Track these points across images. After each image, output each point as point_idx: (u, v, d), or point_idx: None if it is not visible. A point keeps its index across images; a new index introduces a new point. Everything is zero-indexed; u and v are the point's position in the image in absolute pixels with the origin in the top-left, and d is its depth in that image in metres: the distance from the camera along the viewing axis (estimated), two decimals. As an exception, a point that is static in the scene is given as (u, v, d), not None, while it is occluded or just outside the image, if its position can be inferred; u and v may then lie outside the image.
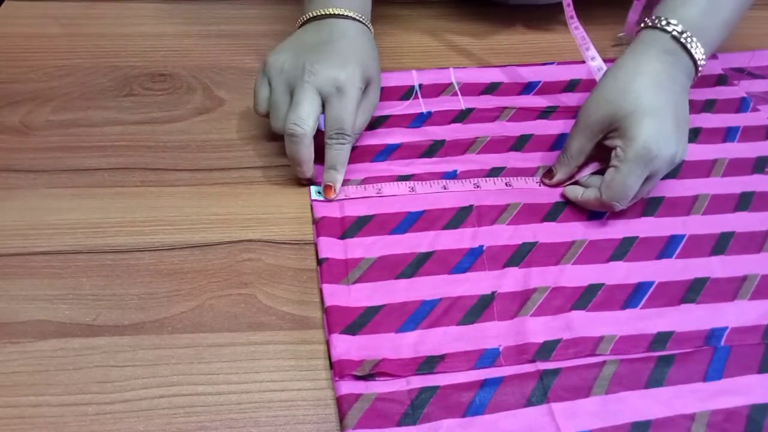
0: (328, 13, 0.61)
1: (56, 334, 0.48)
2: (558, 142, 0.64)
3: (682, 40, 0.57)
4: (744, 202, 0.59)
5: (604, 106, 0.55)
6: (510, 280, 0.52)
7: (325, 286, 0.51)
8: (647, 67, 0.56)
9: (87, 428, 0.43)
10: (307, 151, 0.56)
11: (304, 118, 0.55)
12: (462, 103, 0.68)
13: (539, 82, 0.71)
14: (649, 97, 0.54)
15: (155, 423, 0.44)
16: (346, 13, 0.61)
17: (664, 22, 0.58)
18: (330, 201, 0.57)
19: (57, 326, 0.49)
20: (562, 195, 0.59)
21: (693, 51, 0.57)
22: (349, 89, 0.56)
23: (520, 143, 0.64)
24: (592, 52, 0.65)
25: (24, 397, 0.45)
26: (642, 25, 0.60)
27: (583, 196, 0.57)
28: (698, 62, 0.58)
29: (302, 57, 0.57)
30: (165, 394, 0.45)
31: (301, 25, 0.63)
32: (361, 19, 0.62)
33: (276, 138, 0.64)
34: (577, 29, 0.66)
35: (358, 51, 0.59)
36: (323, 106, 0.57)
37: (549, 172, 0.60)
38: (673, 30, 0.57)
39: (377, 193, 0.58)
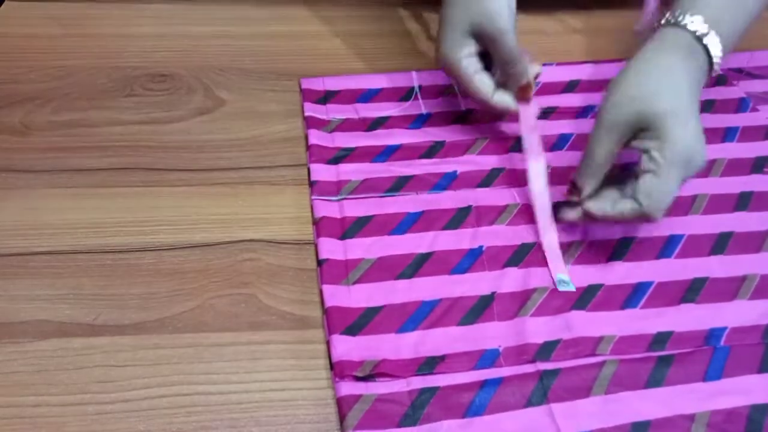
0: None
1: (56, 333, 0.48)
2: (558, 143, 0.64)
3: (705, 41, 0.54)
4: (743, 202, 0.59)
5: (633, 105, 0.51)
6: (510, 280, 0.52)
7: (326, 287, 0.51)
8: (677, 66, 0.52)
9: (87, 428, 0.43)
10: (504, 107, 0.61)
11: (487, 92, 0.60)
12: (462, 104, 0.68)
13: (539, 82, 0.71)
14: (683, 97, 0.51)
15: (156, 423, 0.44)
16: None
17: (687, 20, 0.54)
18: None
19: (57, 326, 0.49)
20: (585, 214, 0.53)
21: (712, 53, 0.54)
22: None
23: (520, 144, 0.63)
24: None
25: (24, 397, 0.45)
26: (663, 21, 0.56)
27: (615, 210, 0.51)
28: (714, 64, 0.55)
29: None
30: (166, 394, 0.45)
31: None
32: None
33: (276, 138, 0.64)
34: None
35: None
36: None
37: (574, 187, 0.54)
38: (696, 30, 0.54)
39: (377, 193, 0.58)
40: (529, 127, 0.61)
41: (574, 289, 0.52)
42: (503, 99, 0.61)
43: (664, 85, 0.51)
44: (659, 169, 0.49)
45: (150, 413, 0.44)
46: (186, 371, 0.47)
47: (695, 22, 0.54)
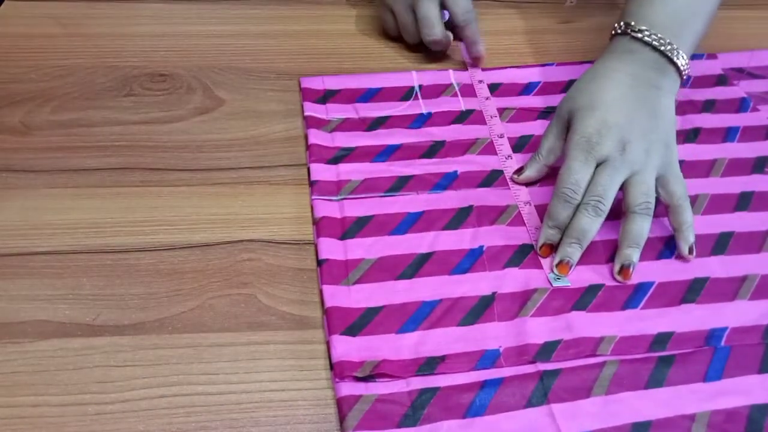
0: None
1: (56, 334, 0.48)
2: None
3: (660, 46, 0.59)
4: (743, 202, 0.59)
5: (568, 102, 0.58)
6: (510, 280, 0.52)
7: (326, 287, 0.51)
8: (612, 66, 0.59)
9: (87, 428, 0.43)
10: (447, 42, 0.72)
11: (435, 25, 0.70)
12: (462, 104, 0.68)
13: (539, 82, 0.71)
14: (604, 95, 0.57)
15: (155, 423, 0.44)
16: None
17: (636, 31, 0.60)
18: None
19: (57, 326, 0.49)
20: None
21: (674, 58, 0.59)
22: None
23: (520, 144, 0.64)
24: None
25: (24, 397, 0.45)
26: (612, 31, 0.63)
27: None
28: (681, 68, 0.60)
29: None
30: (165, 394, 0.45)
31: None
32: None
33: (275, 138, 0.64)
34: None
35: None
36: (442, 4, 0.71)
37: (520, 169, 0.60)
38: (644, 36, 0.59)
39: (377, 193, 0.58)
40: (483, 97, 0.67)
41: (569, 284, 0.52)
42: (447, 33, 0.71)
43: (591, 86, 0.58)
44: (566, 152, 0.56)
45: (149, 413, 0.44)
46: (185, 371, 0.46)
47: (643, 31, 0.60)
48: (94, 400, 0.45)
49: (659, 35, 0.59)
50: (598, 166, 0.54)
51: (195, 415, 0.44)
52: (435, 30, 0.70)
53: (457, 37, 0.73)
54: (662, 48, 0.59)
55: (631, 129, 0.55)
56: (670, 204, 0.55)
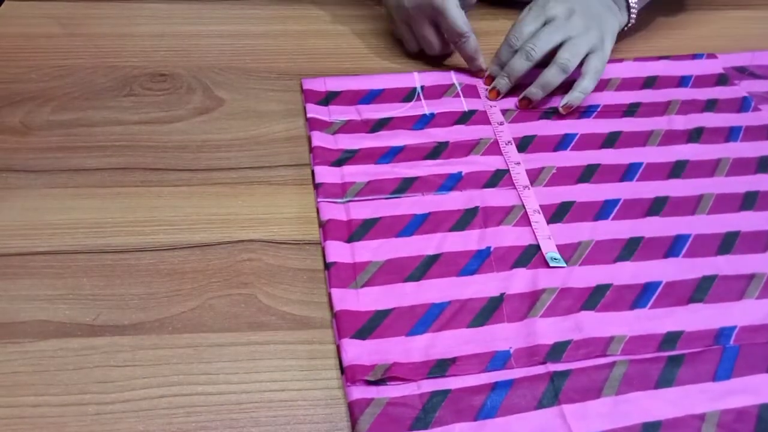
0: None
1: (56, 334, 0.48)
2: (561, 143, 0.63)
3: None
4: (749, 201, 0.59)
5: None
6: (518, 281, 0.52)
7: (334, 291, 0.50)
8: None
9: (87, 428, 0.43)
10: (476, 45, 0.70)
11: (463, 24, 0.68)
12: (464, 104, 0.68)
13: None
14: None
15: (155, 423, 0.43)
16: None
17: None
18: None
19: (57, 326, 0.48)
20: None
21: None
22: None
23: (523, 144, 0.63)
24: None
25: (24, 397, 0.44)
26: None
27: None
28: (631, 5, 0.72)
29: None
30: (165, 394, 0.45)
31: None
32: None
33: (276, 138, 0.64)
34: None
35: None
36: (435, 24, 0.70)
37: (493, 90, 0.69)
38: None
39: (383, 195, 0.58)
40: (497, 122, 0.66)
41: (565, 266, 0.52)
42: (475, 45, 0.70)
43: None
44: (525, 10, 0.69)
45: (149, 413, 0.44)
46: (185, 371, 0.46)
47: None
48: (94, 400, 0.44)
49: None
50: (545, 24, 0.66)
51: (195, 415, 0.44)
52: (466, 31, 0.68)
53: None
54: None
55: (583, 6, 0.67)
56: (585, 70, 0.66)
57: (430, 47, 0.72)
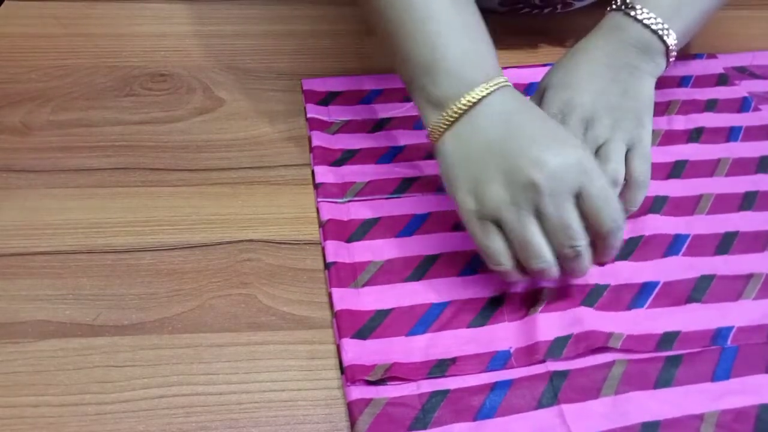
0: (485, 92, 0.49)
1: (56, 334, 0.48)
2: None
3: (651, 24, 0.57)
4: (748, 201, 0.59)
5: (545, 78, 0.59)
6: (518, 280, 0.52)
7: (334, 290, 0.50)
8: (594, 44, 0.59)
9: (87, 428, 0.43)
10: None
11: (579, 231, 0.46)
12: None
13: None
14: (578, 68, 0.57)
15: (155, 423, 0.43)
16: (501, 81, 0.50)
17: (629, 7, 0.58)
18: None
19: (57, 326, 0.48)
20: None
21: (664, 37, 0.58)
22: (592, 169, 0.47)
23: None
24: None
25: (24, 397, 0.44)
26: (608, 7, 0.61)
27: None
28: (670, 47, 0.58)
29: (510, 162, 0.46)
30: (165, 395, 0.45)
31: (451, 125, 0.50)
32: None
33: (276, 138, 0.64)
34: None
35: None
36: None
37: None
38: (637, 13, 0.58)
39: (383, 195, 0.58)
40: None
41: None
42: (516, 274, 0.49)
43: (569, 61, 0.59)
44: None
45: (149, 413, 0.44)
46: (185, 372, 0.46)
47: (642, 12, 0.58)
48: (94, 400, 0.44)
49: (652, 14, 0.58)
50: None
51: (195, 415, 0.44)
52: (582, 238, 0.47)
53: None
54: (653, 26, 0.58)
55: (597, 106, 0.55)
56: (629, 179, 0.53)
57: (539, 256, 0.47)
